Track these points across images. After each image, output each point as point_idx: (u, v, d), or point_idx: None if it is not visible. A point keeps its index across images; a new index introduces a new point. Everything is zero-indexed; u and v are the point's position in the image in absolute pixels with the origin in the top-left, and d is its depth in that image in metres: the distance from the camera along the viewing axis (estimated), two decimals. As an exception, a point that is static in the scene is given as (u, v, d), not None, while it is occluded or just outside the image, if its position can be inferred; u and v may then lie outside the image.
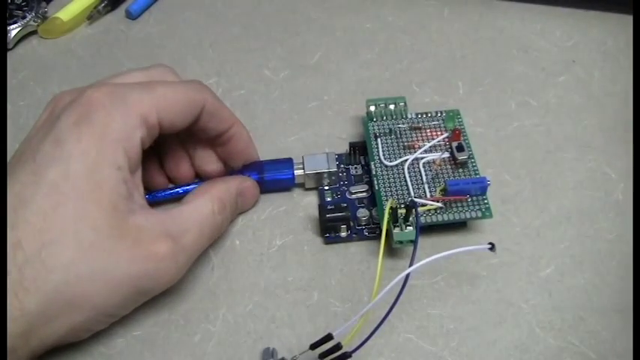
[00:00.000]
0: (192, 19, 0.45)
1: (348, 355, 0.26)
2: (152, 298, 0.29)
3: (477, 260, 0.32)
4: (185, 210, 0.29)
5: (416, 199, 0.31)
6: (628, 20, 0.43)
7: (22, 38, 0.44)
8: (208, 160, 0.33)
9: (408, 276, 0.26)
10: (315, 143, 0.37)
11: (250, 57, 0.42)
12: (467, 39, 0.43)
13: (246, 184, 0.33)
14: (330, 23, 0.44)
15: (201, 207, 0.29)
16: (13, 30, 0.43)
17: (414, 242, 0.28)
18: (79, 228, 0.25)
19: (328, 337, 0.26)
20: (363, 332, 0.26)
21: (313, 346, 0.27)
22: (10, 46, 0.43)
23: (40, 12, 0.44)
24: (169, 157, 0.33)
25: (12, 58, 0.43)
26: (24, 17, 0.44)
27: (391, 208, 0.29)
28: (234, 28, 0.44)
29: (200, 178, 0.34)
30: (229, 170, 0.34)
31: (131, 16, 0.45)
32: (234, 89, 0.40)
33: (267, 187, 0.34)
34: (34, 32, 0.44)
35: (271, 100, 0.40)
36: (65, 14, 0.44)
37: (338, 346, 0.26)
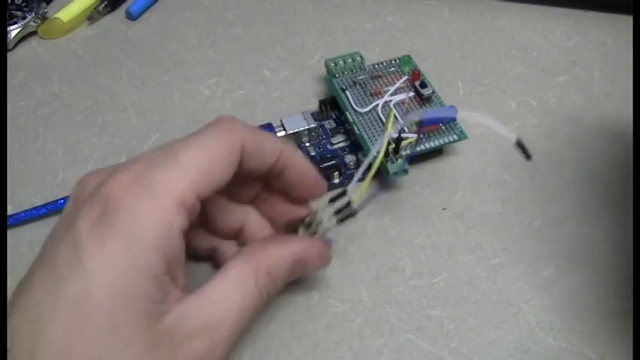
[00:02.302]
0: (192, 19, 0.45)
1: (355, 212, 0.27)
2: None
3: (477, 260, 0.32)
4: (222, 287, 0.24)
5: (402, 135, 0.33)
6: (628, 20, 0.43)
7: (22, 39, 0.44)
8: (270, 207, 0.28)
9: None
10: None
11: (250, 57, 0.42)
12: (467, 39, 0.43)
13: (310, 252, 0.27)
14: (330, 23, 0.44)
15: (242, 283, 0.24)
16: (13, 30, 0.43)
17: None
18: (108, 350, 0.21)
19: (343, 193, 0.27)
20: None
21: (331, 200, 0.27)
22: (10, 46, 0.43)
23: (40, 12, 0.44)
24: (214, 213, 0.28)
25: (12, 58, 0.43)
26: (24, 18, 0.44)
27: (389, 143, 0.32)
28: (234, 28, 0.44)
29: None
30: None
31: (131, 16, 0.45)
32: (234, 89, 0.40)
33: None
34: (34, 33, 0.44)
35: (271, 100, 0.40)
36: (65, 15, 0.44)
37: (348, 203, 0.27)
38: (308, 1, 0.46)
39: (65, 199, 0.33)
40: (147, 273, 0.21)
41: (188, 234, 0.23)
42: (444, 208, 0.34)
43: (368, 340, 0.29)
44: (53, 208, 0.33)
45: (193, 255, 0.29)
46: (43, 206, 0.33)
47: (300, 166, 0.27)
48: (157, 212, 0.22)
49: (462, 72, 0.41)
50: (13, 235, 0.33)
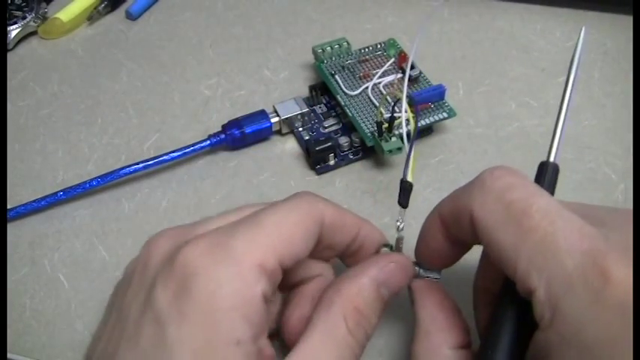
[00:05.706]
0: (192, 19, 0.45)
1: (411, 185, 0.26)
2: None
3: (477, 260, 0.31)
4: (312, 345, 0.22)
5: (395, 115, 0.33)
6: (628, 20, 0.43)
7: (22, 39, 0.44)
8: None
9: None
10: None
11: (250, 57, 0.42)
12: (467, 39, 0.43)
13: (388, 268, 0.24)
14: (330, 23, 0.44)
15: (331, 331, 0.22)
16: (13, 30, 0.43)
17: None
18: None
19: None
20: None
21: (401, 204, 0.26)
22: (10, 46, 0.43)
23: (40, 12, 0.44)
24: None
25: (12, 58, 0.43)
26: (24, 18, 0.44)
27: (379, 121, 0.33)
28: (234, 29, 0.44)
29: None
30: None
31: (131, 16, 0.45)
32: (234, 89, 0.40)
33: (249, 140, 0.36)
34: (34, 33, 0.44)
35: (271, 101, 0.39)
36: (65, 15, 0.44)
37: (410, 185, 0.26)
38: (308, 1, 0.46)
39: (65, 191, 0.33)
40: (230, 340, 0.20)
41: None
42: (444, 208, 0.34)
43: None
44: (53, 200, 0.33)
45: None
46: (42, 199, 0.33)
47: (377, 246, 0.26)
48: (238, 277, 0.21)
49: (462, 72, 0.41)
50: (13, 230, 0.33)
